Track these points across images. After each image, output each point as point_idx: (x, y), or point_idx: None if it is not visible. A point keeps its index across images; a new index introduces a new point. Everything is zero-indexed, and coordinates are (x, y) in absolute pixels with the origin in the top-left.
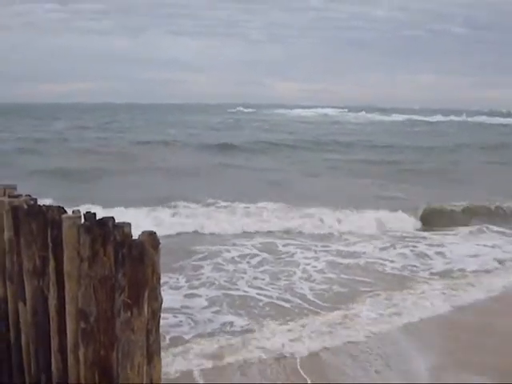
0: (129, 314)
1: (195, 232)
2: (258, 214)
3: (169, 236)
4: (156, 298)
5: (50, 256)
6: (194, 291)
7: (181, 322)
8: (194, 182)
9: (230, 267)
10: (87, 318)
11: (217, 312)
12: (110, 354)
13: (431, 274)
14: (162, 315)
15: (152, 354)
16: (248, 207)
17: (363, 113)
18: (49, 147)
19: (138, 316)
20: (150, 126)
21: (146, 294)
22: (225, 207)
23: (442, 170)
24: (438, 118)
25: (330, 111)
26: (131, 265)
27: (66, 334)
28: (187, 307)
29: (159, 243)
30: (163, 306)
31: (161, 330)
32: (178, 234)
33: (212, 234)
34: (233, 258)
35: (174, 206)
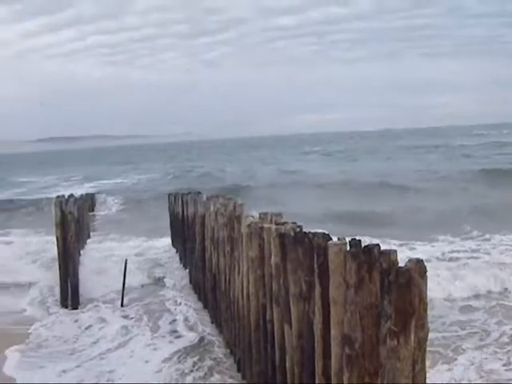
0: (395, 342)
1: None
2: None
3: None
4: (423, 326)
5: (316, 281)
6: None
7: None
8: None
9: None
10: (352, 344)
11: None
12: (375, 380)
13: None
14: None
15: None
16: None
17: None
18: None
19: (405, 344)
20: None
21: (413, 323)
22: None
23: None
24: None
25: None
26: (398, 292)
27: (330, 358)
28: None
29: (426, 271)
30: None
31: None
32: None
33: None
34: None
35: None
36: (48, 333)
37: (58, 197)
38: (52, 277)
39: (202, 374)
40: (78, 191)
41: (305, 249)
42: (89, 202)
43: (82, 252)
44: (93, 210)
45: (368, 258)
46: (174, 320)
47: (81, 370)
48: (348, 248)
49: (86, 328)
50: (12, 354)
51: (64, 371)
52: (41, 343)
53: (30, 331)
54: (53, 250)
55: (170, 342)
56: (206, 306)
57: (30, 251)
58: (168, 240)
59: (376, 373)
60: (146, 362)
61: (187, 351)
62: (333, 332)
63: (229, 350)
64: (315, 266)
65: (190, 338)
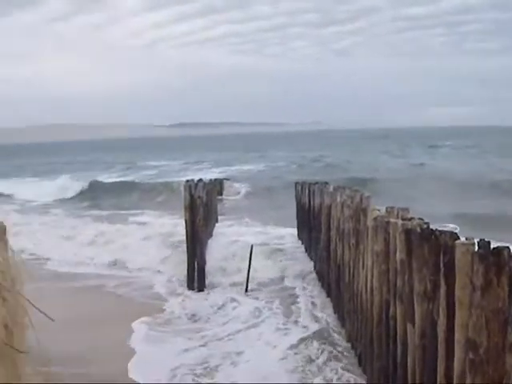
0: None
1: None
2: None
3: None
4: None
5: (442, 281)
6: None
7: None
8: None
9: None
10: (477, 349)
11: None
12: None
13: None
14: None
15: None
16: None
17: None
18: None
19: None
20: None
21: None
22: None
23: None
24: None
25: None
26: None
27: (453, 360)
28: None
29: None
30: None
31: None
32: None
33: None
34: None
35: None
36: (180, 310)
37: (187, 181)
38: (180, 258)
39: (323, 367)
40: (207, 176)
41: (431, 246)
42: (217, 187)
43: (209, 236)
44: (221, 195)
45: (497, 261)
46: (299, 308)
47: (204, 350)
48: (476, 249)
49: (219, 308)
50: (139, 326)
51: (186, 350)
52: (171, 319)
53: (164, 307)
54: (183, 232)
55: (295, 329)
56: (329, 296)
57: (163, 232)
58: (294, 229)
59: (500, 381)
60: (274, 347)
61: (309, 341)
62: (457, 335)
63: (350, 344)
64: (441, 264)
65: (313, 327)
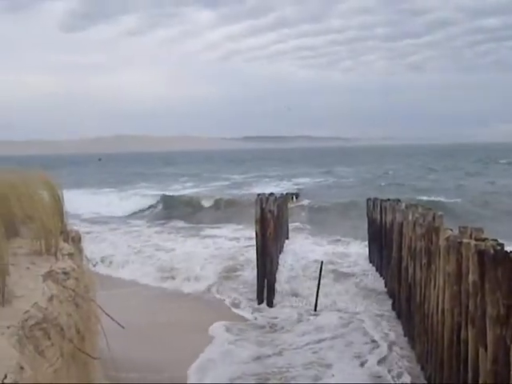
0: None
1: None
2: None
3: None
4: None
5: None
6: None
7: None
8: None
9: None
10: None
11: None
12: None
13: None
14: None
15: None
16: None
17: None
18: None
19: None
20: None
21: None
22: None
23: None
24: None
25: None
26: None
27: None
28: None
29: None
30: None
31: None
32: None
33: None
34: None
35: None
36: (253, 321)
37: (258, 195)
38: (252, 272)
39: None
40: (278, 190)
41: (505, 269)
42: (288, 201)
43: (279, 250)
44: (291, 209)
45: None
46: (366, 327)
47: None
48: None
49: (291, 322)
50: (213, 333)
51: (258, 357)
52: (245, 329)
53: (236, 316)
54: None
55: (364, 348)
56: (399, 317)
57: (234, 245)
58: (363, 245)
59: None
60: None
61: (379, 361)
62: None
63: (420, 365)
64: None
65: (382, 349)
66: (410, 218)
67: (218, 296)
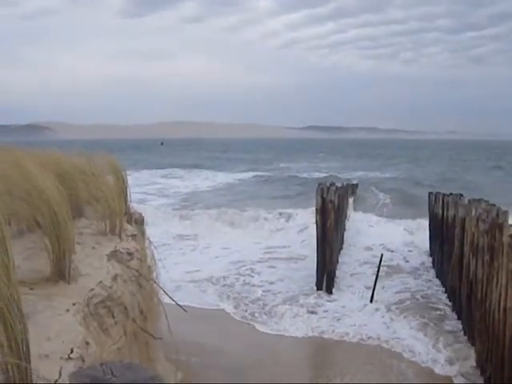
0: None
1: None
2: None
3: None
4: None
5: None
6: None
7: None
8: None
9: None
10: None
11: None
12: None
13: None
14: None
15: None
16: None
17: None
18: None
19: None
20: None
21: None
22: None
23: None
24: None
25: None
26: None
27: None
28: None
29: None
30: None
31: None
32: None
33: None
34: None
35: None
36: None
37: (319, 184)
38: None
39: None
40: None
41: None
42: (349, 191)
43: (340, 241)
44: (353, 201)
45: None
46: (425, 325)
47: None
48: None
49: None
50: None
51: None
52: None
53: (298, 303)
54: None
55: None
56: (459, 316)
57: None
58: (424, 239)
59: None
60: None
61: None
62: None
63: (480, 365)
64: None
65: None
66: (473, 213)
67: (278, 283)
